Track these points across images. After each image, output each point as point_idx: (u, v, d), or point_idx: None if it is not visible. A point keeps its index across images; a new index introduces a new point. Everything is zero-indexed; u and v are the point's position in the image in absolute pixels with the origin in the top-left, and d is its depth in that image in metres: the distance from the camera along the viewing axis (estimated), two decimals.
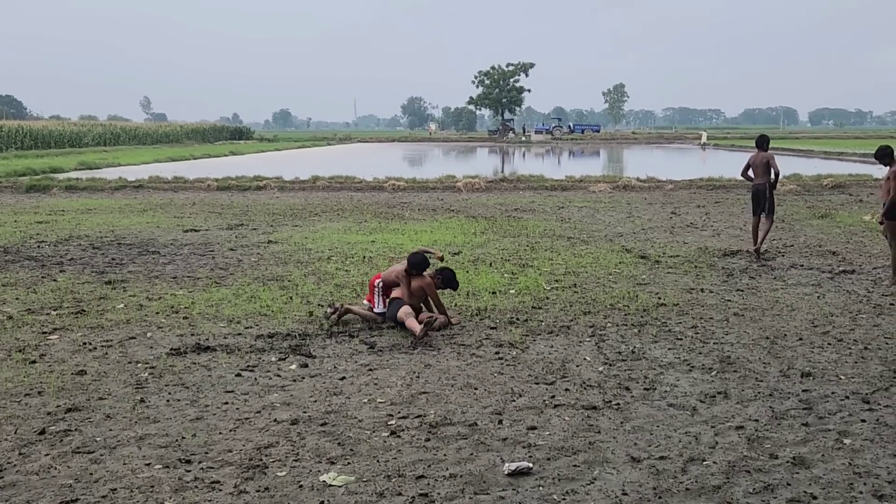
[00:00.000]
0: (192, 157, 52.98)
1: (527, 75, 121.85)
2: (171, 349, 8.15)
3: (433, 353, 8.10)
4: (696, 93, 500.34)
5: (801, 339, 8.56)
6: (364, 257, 13.47)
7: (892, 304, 10.05)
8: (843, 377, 7.29)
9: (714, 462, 5.49)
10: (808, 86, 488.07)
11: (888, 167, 11.54)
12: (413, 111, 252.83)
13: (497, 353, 8.13)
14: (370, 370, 7.60)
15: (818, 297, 10.56)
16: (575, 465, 5.45)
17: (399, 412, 6.47)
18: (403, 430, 6.09)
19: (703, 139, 79.43)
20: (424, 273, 9.31)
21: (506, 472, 5.31)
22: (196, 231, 17.10)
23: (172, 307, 10.00)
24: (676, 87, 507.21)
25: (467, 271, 12.15)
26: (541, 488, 5.12)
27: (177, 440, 5.86)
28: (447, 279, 9.47)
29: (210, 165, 42.13)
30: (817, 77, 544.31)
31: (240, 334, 8.80)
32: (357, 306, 9.46)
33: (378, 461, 5.52)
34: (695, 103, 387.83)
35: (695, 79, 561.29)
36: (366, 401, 6.73)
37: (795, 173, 29.83)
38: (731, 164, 39.00)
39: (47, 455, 5.57)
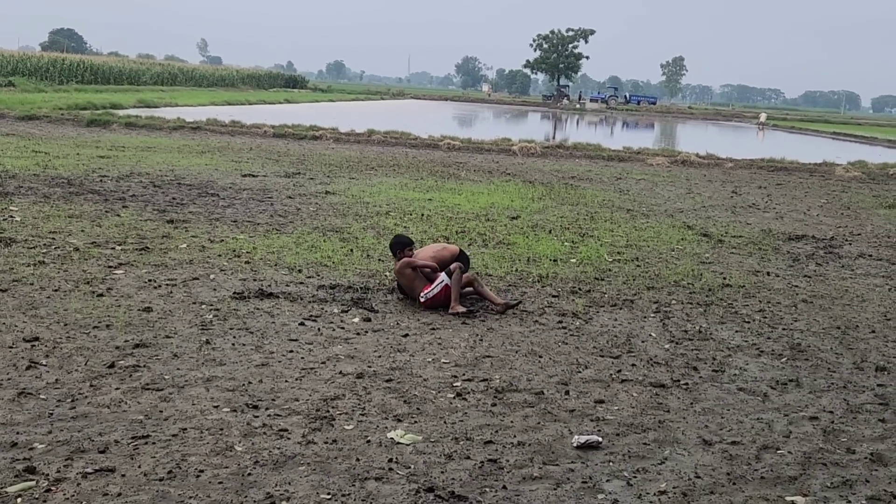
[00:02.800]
0: (248, 101, 53.19)
1: (586, 42, 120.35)
2: (235, 293, 8.14)
3: (496, 318, 8.01)
4: (756, 71, 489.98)
5: (873, 331, 8.33)
6: (422, 215, 13.37)
7: None
8: None
9: (789, 452, 5.34)
10: (872, 71, 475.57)
11: None
12: (467, 71, 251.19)
13: (560, 322, 8.01)
14: (433, 329, 7.53)
15: (889, 289, 10.27)
16: (645, 443, 5.34)
17: (464, 374, 6.40)
18: (469, 392, 6.02)
19: (762, 119, 77.89)
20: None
21: (574, 445, 5.22)
22: (254, 176, 17.11)
23: (234, 251, 10.01)
24: (736, 64, 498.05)
25: (527, 237, 12.01)
26: (611, 464, 5.02)
27: (244, 385, 5.84)
28: (398, 244, 8.59)
29: (266, 111, 42.23)
30: (882, 63, 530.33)
31: (301, 283, 8.77)
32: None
33: (445, 422, 5.45)
34: (754, 81, 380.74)
35: (756, 57, 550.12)
36: (430, 360, 6.67)
37: (860, 160, 29.08)
38: (790, 147, 38.30)
39: (117, 389, 5.59)
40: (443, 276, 8.21)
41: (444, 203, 14.91)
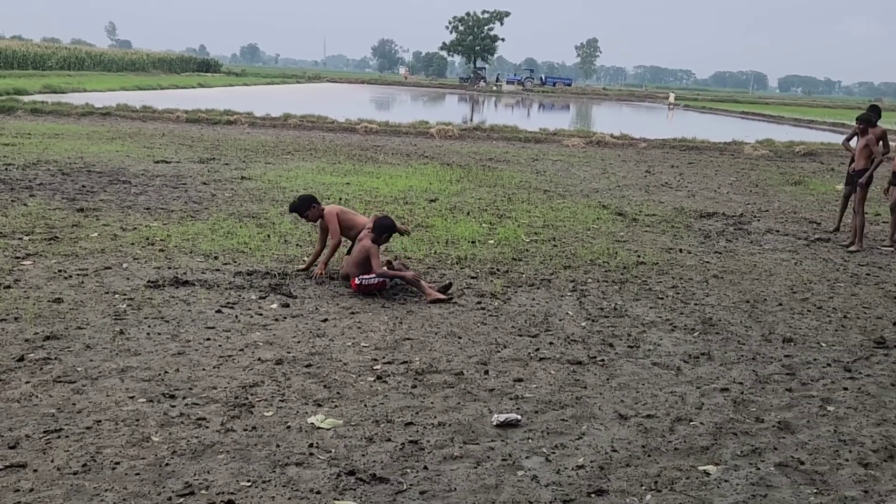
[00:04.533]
0: (160, 86, 51.98)
1: (502, 24, 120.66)
2: (149, 282, 7.98)
3: (415, 300, 8.03)
4: (668, 52, 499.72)
5: (780, 304, 8.62)
6: (341, 199, 13.28)
7: (868, 274, 10.16)
8: (824, 345, 7.36)
9: (701, 423, 5.51)
10: (779, 52, 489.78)
11: (866, 133, 11.78)
12: (383, 54, 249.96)
13: (479, 303, 8.08)
14: (352, 313, 7.51)
15: (795, 263, 10.63)
16: (563, 420, 5.44)
17: (384, 357, 6.41)
18: (389, 375, 6.04)
19: (671, 99, 79.46)
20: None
21: (494, 423, 5.29)
22: (167, 163, 16.75)
23: (147, 239, 9.80)
24: (648, 46, 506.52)
25: (445, 219, 12.06)
26: (530, 441, 5.10)
27: (160, 374, 5.74)
28: (386, 227, 8.38)
29: (178, 96, 41.31)
30: (788, 44, 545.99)
31: (218, 270, 8.64)
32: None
33: (366, 406, 5.46)
34: (666, 63, 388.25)
35: (667, 38, 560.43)
36: (350, 344, 6.66)
37: (768, 139, 29.95)
38: (701, 126, 39.17)
39: (27, 383, 5.43)
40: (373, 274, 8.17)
41: (363, 187, 14.84)
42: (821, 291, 9.23)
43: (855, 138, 12.72)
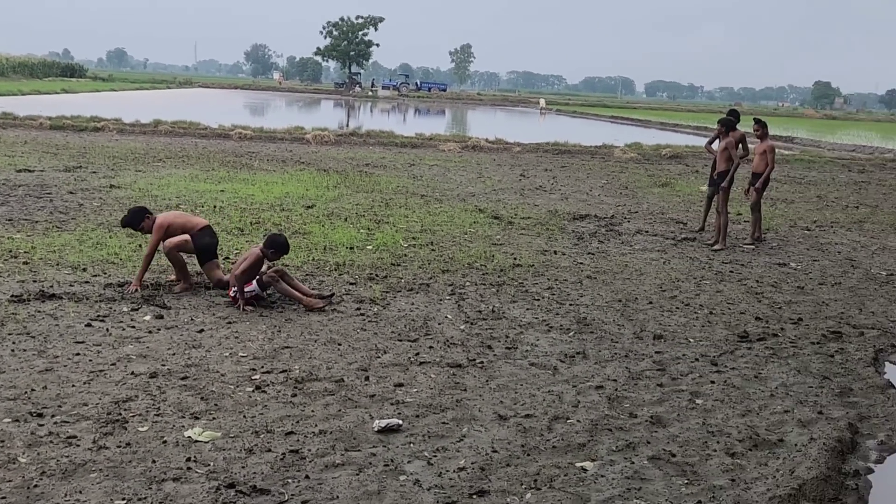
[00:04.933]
0: (21, 92, 49.64)
1: (376, 29, 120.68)
2: (13, 296, 7.62)
3: (293, 308, 7.94)
4: (540, 58, 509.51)
5: (651, 302, 8.93)
6: (215, 207, 13.02)
7: (731, 272, 10.63)
8: (692, 340, 7.66)
9: (578, 420, 5.65)
10: (645, 58, 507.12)
11: (727, 136, 12.37)
12: (257, 59, 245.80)
13: (358, 309, 8.06)
14: (229, 323, 7.38)
15: (664, 262, 11.03)
16: (444, 423, 5.49)
17: (262, 367, 6.32)
18: (268, 385, 5.96)
19: (542, 104, 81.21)
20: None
21: (375, 429, 5.29)
22: (30, 171, 16.03)
23: (10, 251, 9.35)
24: (521, 52, 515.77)
25: (323, 225, 11.98)
26: (411, 445, 5.12)
27: (26, 392, 5.50)
28: (279, 245, 8.15)
29: (41, 102, 39.59)
30: (654, 51, 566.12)
31: (87, 282, 8.33)
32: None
33: (244, 417, 5.37)
34: (538, 68, 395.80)
35: (539, 44, 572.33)
36: (227, 354, 6.53)
37: (636, 142, 30.98)
38: (573, 130, 40.18)
39: None
40: (254, 284, 8.00)
41: (238, 194, 14.58)
42: (688, 289, 9.61)
43: (717, 141, 13.31)
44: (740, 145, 12.73)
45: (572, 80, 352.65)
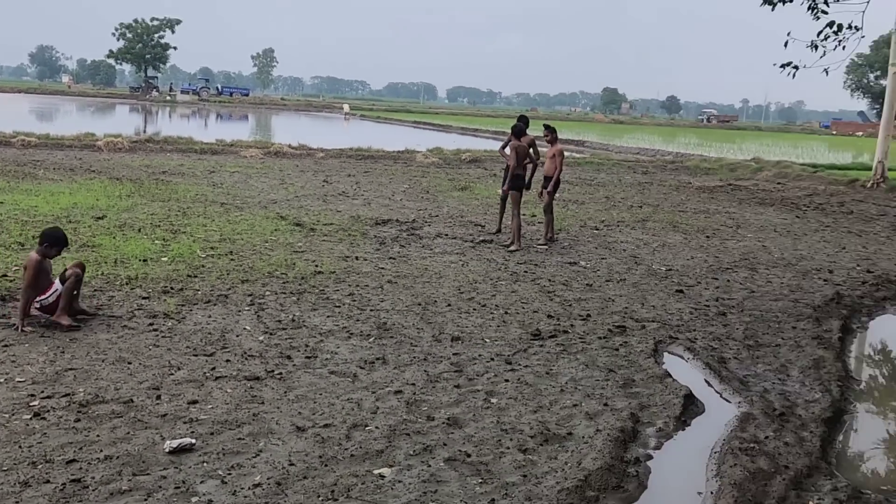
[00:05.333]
0: None
1: (173, 31, 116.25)
2: None
3: (79, 325, 7.52)
4: (344, 63, 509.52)
5: (449, 305, 9.11)
6: None
7: (525, 272, 11.02)
8: (487, 340, 7.88)
9: (376, 427, 5.68)
10: (447, 65, 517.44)
11: (518, 141, 12.86)
12: (43, 61, 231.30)
13: (151, 324, 7.75)
14: (5, 346, 6.89)
15: (462, 264, 11.28)
16: (239, 438, 5.37)
17: (42, 391, 5.95)
18: (49, 410, 5.62)
19: (346, 110, 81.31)
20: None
21: (167, 450, 5.10)
22: None
23: None
24: (325, 57, 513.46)
25: (114, 237, 11.44)
26: (205, 464, 4.98)
27: None
28: (54, 238, 7.65)
29: None
30: (454, 57, 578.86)
31: None
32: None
33: (20, 447, 5.03)
34: (342, 73, 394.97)
35: (343, 49, 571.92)
36: (2, 380, 6.10)
37: (437, 147, 31.55)
38: (377, 136, 40.40)
39: None
40: (57, 283, 7.54)
41: (19, 206, 13.66)
42: (485, 290, 9.88)
43: (508, 146, 13.79)
44: (531, 150, 13.22)
45: (376, 85, 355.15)
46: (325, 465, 5.05)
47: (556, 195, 14.30)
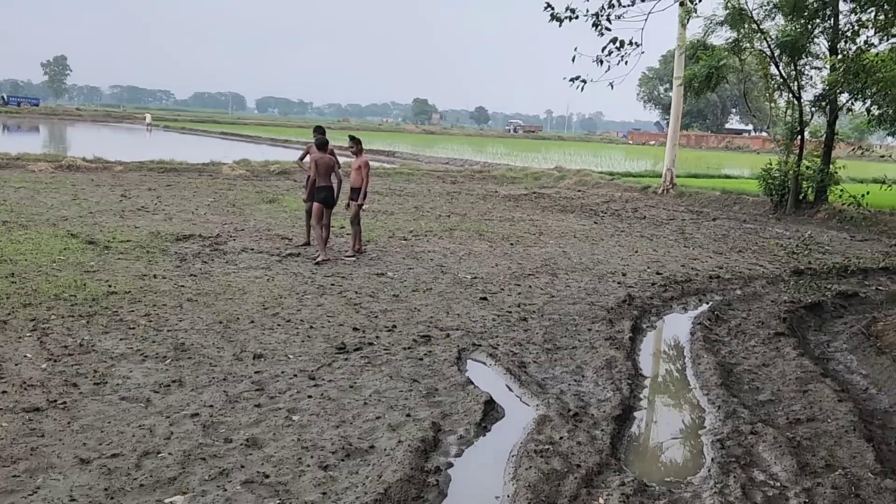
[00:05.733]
0: None
1: None
2: None
3: None
4: (146, 73, 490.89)
5: (252, 321, 8.84)
6: None
7: (332, 285, 10.88)
8: (291, 356, 7.70)
9: (170, 453, 5.40)
10: (255, 75, 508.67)
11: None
12: None
13: None
14: None
15: (268, 279, 11.01)
16: (15, 476, 4.96)
17: None
18: None
19: (148, 120, 78.22)
20: None
21: None
22: None
23: None
24: (125, 65, 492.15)
25: None
26: None
27: None
28: None
29: None
30: (263, 67, 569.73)
31: None
32: None
33: None
34: (144, 83, 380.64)
35: (144, 58, 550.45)
36: None
37: (245, 158, 30.87)
38: (181, 147, 39.11)
39: None
40: None
41: None
42: (290, 305, 9.67)
43: (308, 156, 13.65)
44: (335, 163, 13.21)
45: (181, 95, 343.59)
46: (111, 498, 4.74)
47: (365, 206, 14.26)
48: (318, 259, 12.39)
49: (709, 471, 5.79)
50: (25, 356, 7.24)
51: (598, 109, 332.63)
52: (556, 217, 20.55)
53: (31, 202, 17.46)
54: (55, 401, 6.23)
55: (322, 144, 12.91)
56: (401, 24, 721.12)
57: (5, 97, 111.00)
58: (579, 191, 28.40)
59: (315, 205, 12.58)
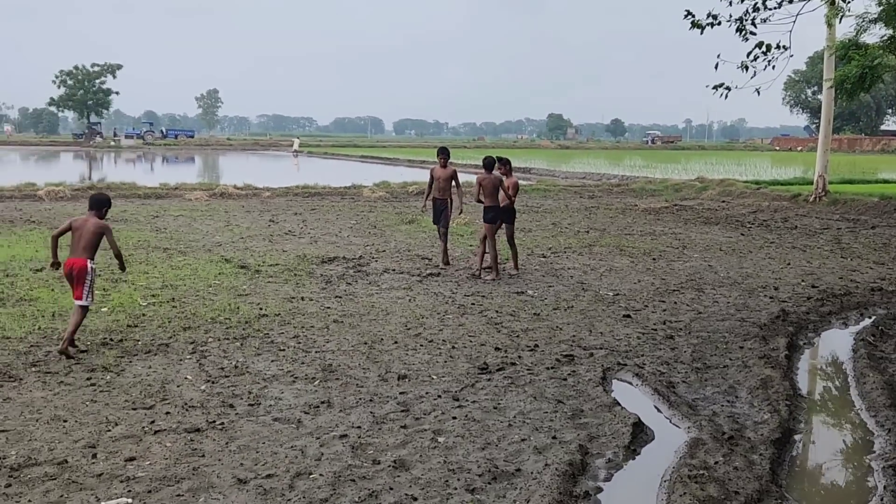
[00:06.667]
0: None
1: (114, 77, 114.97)
2: None
3: (13, 384, 7.29)
4: (290, 101, 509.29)
5: (396, 342, 9.00)
6: None
7: (473, 304, 10.95)
8: (435, 377, 7.78)
9: (321, 474, 5.55)
10: (392, 98, 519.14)
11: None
12: None
13: (89, 378, 7.53)
14: None
15: (409, 300, 11.19)
16: (179, 495, 5.20)
17: None
18: None
19: (296, 146, 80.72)
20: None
21: None
22: None
23: None
24: (270, 95, 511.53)
25: (53, 290, 11.17)
26: None
27: None
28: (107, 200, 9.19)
29: None
30: (399, 89, 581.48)
31: None
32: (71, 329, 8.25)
33: None
34: (288, 111, 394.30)
35: (287, 87, 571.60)
36: None
37: (384, 181, 31.55)
38: (324, 172, 40.33)
39: None
40: None
41: None
42: (432, 325, 9.79)
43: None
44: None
45: (322, 121, 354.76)
46: None
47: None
48: (488, 277, 12.62)
49: (881, 500, 5.48)
50: (186, 378, 7.60)
51: (740, 116, 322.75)
52: (699, 229, 20.03)
53: (189, 229, 18.39)
54: (214, 421, 6.52)
55: (489, 165, 13.05)
56: (534, 41, 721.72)
57: (164, 130, 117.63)
58: (723, 201, 27.58)
59: (486, 225, 12.78)
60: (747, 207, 25.51)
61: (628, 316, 10.41)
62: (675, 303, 11.27)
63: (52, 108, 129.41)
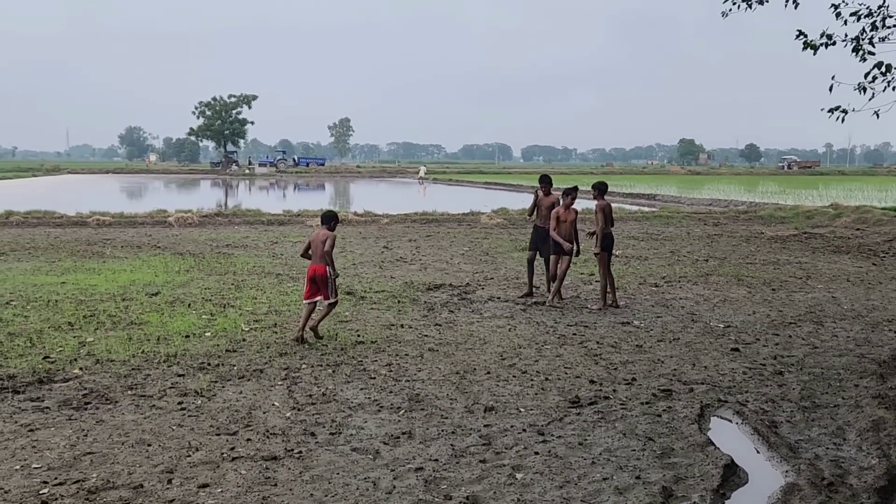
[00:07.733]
0: None
1: (250, 107, 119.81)
2: None
3: (108, 407, 7.48)
4: (419, 129, 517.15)
5: (489, 372, 8.80)
6: (49, 301, 12.35)
7: (574, 335, 10.64)
8: (523, 409, 7.54)
9: None
10: (520, 125, 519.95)
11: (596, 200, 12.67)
12: (132, 141, 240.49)
13: (181, 402, 7.65)
14: (31, 430, 6.86)
15: (510, 329, 10.98)
16: None
17: (56, 478, 5.85)
18: (56, 499, 5.50)
19: (422, 173, 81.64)
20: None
21: None
22: None
23: None
24: (400, 123, 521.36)
25: (162, 314, 11.50)
26: None
27: None
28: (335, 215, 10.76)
29: None
30: (527, 117, 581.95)
31: None
32: (303, 319, 10.07)
33: None
34: (417, 138, 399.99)
35: (417, 115, 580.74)
36: (18, 467, 6.04)
37: (503, 207, 31.43)
38: (445, 198, 40.56)
39: None
40: None
41: (79, 285, 13.93)
42: (528, 355, 9.54)
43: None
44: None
45: (451, 148, 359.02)
46: None
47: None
48: (594, 307, 12.45)
49: None
50: (273, 404, 7.62)
51: (885, 140, 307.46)
52: (827, 259, 19.01)
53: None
54: (292, 450, 6.48)
55: (602, 188, 12.98)
56: (666, 65, 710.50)
57: (296, 158, 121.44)
58: (857, 229, 26.17)
59: (602, 253, 12.55)
60: (883, 236, 24.10)
61: (736, 349, 9.88)
62: (790, 336, 10.65)
63: (193, 138, 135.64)
